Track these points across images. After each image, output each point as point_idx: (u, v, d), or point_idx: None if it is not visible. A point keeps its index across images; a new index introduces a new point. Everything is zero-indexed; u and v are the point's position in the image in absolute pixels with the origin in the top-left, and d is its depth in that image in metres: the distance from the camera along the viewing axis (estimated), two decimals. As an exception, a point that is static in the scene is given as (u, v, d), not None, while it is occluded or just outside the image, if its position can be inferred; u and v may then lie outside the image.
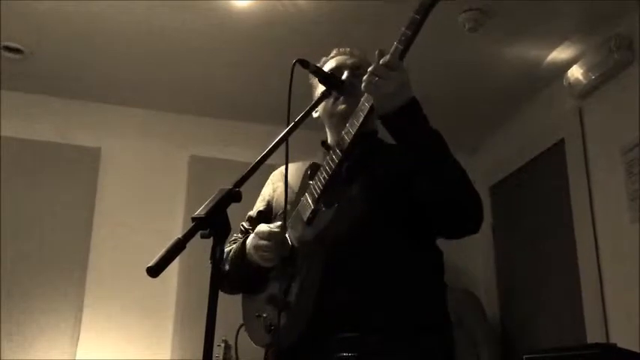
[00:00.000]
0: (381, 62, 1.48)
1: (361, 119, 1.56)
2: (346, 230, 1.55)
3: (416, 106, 1.51)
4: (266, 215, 1.83)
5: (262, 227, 1.61)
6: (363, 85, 1.50)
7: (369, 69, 1.49)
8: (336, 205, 1.55)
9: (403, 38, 1.49)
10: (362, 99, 1.57)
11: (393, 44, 1.50)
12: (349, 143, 1.57)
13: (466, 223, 1.62)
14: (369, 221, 1.59)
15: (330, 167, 1.59)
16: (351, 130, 1.58)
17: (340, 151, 1.58)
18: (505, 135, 4.19)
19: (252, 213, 1.88)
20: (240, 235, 1.87)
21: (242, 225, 1.88)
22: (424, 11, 1.47)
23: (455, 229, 1.64)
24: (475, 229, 1.62)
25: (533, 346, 3.48)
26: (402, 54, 1.49)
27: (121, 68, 3.71)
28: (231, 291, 1.75)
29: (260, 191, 1.92)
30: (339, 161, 1.58)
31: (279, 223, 1.61)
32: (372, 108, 1.54)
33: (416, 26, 1.48)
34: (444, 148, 1.54)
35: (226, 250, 1.75)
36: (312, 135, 1.87)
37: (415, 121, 1.51)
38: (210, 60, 3.61)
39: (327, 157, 1.62)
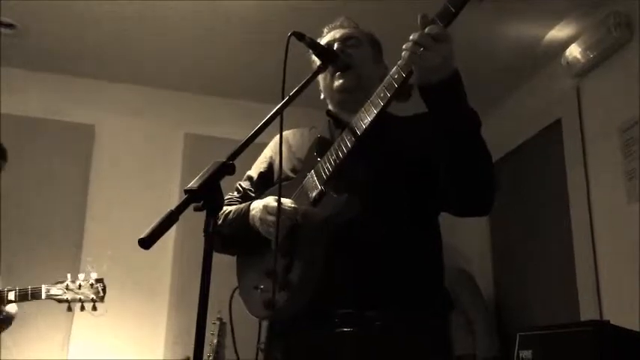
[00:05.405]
0: (427, 31, 1.36)
1: (384, 102, 1.47)
2: (354, 219, 1.53)
3: (458, 80, 1.43)
4: (267, 176, 1.80)
5: (273, 202, 1.57)
6: (404, 54, 1.40)
7: (413, 37, 1.37)
8: (346, 195, 1.52)
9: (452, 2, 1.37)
10: (387, 77, 1.47)
11: (442, 6, 1.37)
12: (366, 129, 1.50)
13: (481, 204, 1.61)
14: (378, 208, 1.58)
15: (343, 152, 1.54)
16: (367, 115, 1.50)
17: (354, 135, 1.52)
18: (502, 114, 4.17)
19: (252, 173, 1.85)
20: (236, 194, 1.85)
21: (239, 184, 1.86)
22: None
23: (469, 209, 1.64)
24: (487, 211, 1.62)
25: (527, 324, 3.50)
26: (449, 20, 1.38)
27: (116, 45, 3.67)
28: (224, 251, 1.73)
29: (251, 169, 1.90)
30: (353, 146, 1.52)
31: (289, 201, 1.58)
32: (398, 89, 1.45)
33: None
34: (479, 127, 1.49)
35: (225, 209, 1.73)
36: (307, 111, 1.86)
37: (456, 96, 1.43)
38: (206, 37, 3.58)
39: (339, 139, 1.57)
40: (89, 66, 3.90)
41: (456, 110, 1.44)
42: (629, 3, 3.03)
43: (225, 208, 1.73)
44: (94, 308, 2.54)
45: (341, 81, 1.70)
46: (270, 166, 1.83)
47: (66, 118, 3.94)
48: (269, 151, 1.86)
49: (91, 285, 2.55)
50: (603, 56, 3.18)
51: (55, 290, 2.52)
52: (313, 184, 1.59)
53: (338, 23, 1.82)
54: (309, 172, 1.62)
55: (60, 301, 2.52)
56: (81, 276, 2.56)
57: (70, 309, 2.53)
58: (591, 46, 3.22)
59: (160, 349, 3.76)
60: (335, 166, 1.56)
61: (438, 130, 1.47)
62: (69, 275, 2.56)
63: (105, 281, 2.63)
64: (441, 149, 1.50)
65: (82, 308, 2.53)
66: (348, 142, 1.54)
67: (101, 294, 2.56)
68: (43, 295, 2.50)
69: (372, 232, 1.56)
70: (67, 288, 2.53)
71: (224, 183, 1.20)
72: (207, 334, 3.06)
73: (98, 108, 4.03)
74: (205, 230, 1.13)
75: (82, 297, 2.53)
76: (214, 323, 3.25)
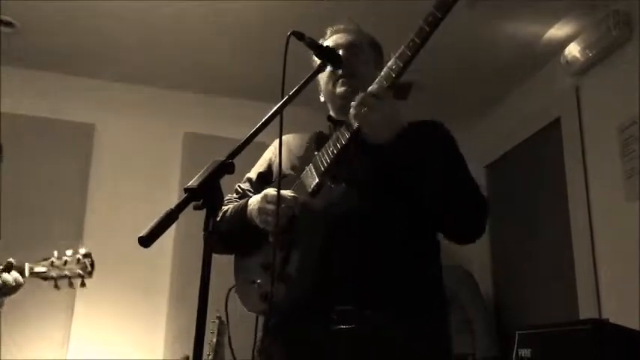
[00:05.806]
0: (368, 91, 1.48)
1: None
2: (351, 209, 1.55)
3: (407, 138, 1.50)
4: (266, 177, 1.82)
5: (272, 191, 1.60)
6: (351, 112, 1.51)
7: (357, 98, 1.49)
8: (344, 185, 1.55)
9: (394, 67, 1.48)
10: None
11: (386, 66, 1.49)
12: (358, 127, 1.55)
13: (466, 237, 1.68)
14: (375, 202, 1.59)
15: (341, 143, 1.58)
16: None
17: (349, 131, 1.56)
18: (501, 113, 4.18)
19: (251, 175, 1.88)
20: (235, 195, 1.87)
21: (238, 186, 1.88)
22: (421, 40, 1.44)
23: (459, 239, 1.69)
24: (479, 235, 1.68)
25: (526, 323, 3.51)
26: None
27: (116, 44, 3.66)
28: (223, 250, 1.74)
29: (251, 168, 1.92)
30: (349, 139, 1.57)
31: (289, 191, 1.60)
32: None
33: (410, 54, 1.45)
34: (443, 170, 1.54)
35: (223, 208, 1.75)
36: (308, 111, 1.86)
37: (410, 152, 1.51)
38: (206, 37, 3.58)
39: (337, 133, 1.60)
40: (89, 65, 3.90)
41: (413, 161, 1.51)
42: (629, 2, 3.03)
43: (223, 207, 1.74)
44: (83, 284, 2.35)
45: (343, 88, 1.72)
46: (270, 167, 1.85)
47: (66, 117, 3.94)
48: (268, 154, 1.89)
49: (78, 260, 2.36)
50: (602, 55, 3.19)
51: (40, 267, 2.33)
52: (311, 176, 1.61)
53: (342, 27, 1.83)
54: (307, 165, 1.65)
55: (45, 278, 2.33)
56: (68, 252, 2.38)
57: (57, 286, 2.34)
58: (590, 45, 3.22)
59: (160, 349, 3.76)
60: (333, 158, 1.58)
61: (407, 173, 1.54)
62: (55, 252, 2.39)
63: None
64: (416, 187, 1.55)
65: (70, 285, 2.34)
66: (345, 133, 1.57)
67: (89, 269, 2.35)
68: (27, 273, 2.30)
69: (370, 228, 1.57)
70: (52, 265, 2.34)
71: (223, 182, 1.21)
72: (207, 333, 3.06)
73: (98, 107, 4.03)
74: (205, 229, 1.13)
75: (69, 273, 2.33)
76: (213, 322, 3.25)
